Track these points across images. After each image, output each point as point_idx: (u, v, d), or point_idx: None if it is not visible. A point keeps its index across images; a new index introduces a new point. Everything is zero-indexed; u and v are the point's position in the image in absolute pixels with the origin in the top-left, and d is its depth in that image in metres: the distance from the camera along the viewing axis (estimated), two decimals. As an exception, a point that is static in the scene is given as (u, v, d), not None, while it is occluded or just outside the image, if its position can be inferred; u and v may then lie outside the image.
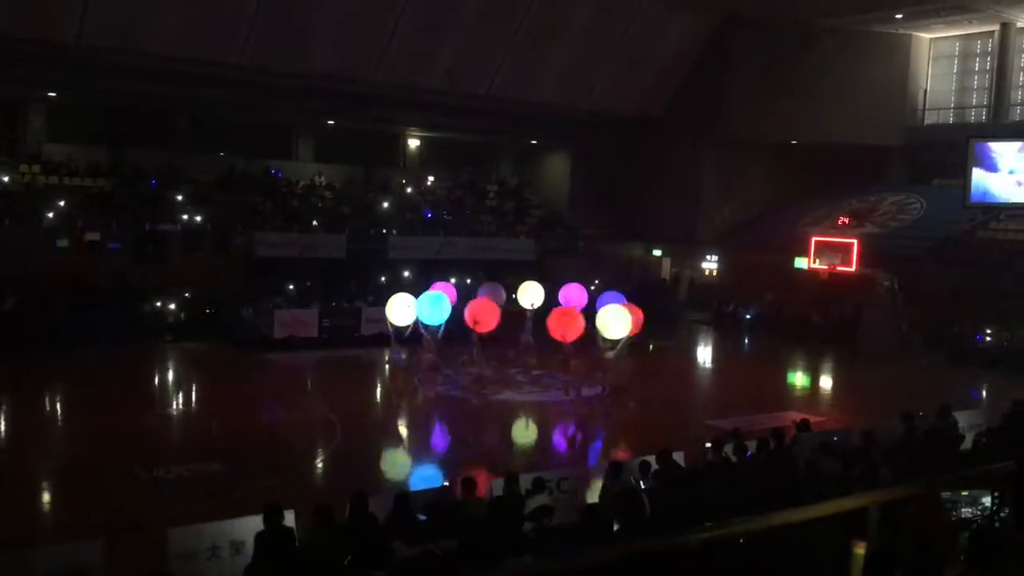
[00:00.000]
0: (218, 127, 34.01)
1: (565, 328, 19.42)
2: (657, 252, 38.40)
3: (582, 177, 39.62)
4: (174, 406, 19.77)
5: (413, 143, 40.21)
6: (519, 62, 32.00)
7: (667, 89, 35.95)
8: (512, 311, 23.19)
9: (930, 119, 36.13)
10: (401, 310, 20.11)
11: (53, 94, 29.78)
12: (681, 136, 35.95)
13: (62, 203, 27.64)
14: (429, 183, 39.18)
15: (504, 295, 23.53)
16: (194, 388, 21.50)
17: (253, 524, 8.65)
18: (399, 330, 20.53)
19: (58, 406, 19.41)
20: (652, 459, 10.96)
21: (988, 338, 26.43)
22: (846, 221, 33.71)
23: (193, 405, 20.10)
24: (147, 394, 20.03)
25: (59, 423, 18.14)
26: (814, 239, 31.26)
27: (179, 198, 30.21)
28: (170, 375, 23.06)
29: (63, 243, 26.07)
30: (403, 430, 18.03)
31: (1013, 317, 26.05)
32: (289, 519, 8.72)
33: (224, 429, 16.77)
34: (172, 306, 25.89)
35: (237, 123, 34.39)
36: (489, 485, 10.75)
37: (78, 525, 11.19)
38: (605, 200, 38.05)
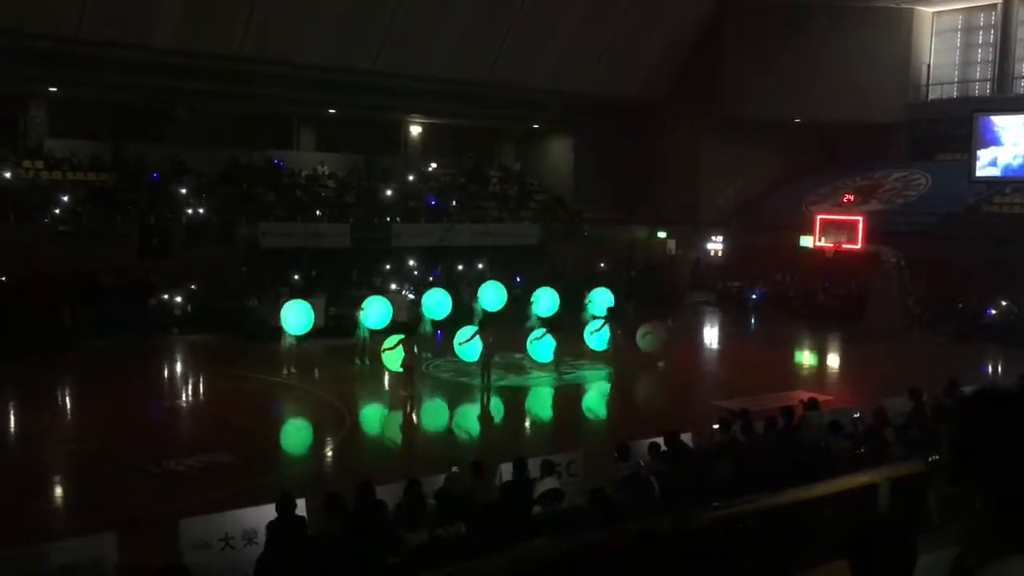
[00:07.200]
0: (219, 119, 33.94)
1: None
2: (662, 234, 38.31)
3: (584, 161, 39.51)
4: (183, 398, 19.82)
5: (415, 130, 40.11)
6: (519, 47, 31.86)
7: (667, 72, 35.77)
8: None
9: (934, 94, 35.96)
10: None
11: (54, 89, 29.72)
12: (683, 118, 35.81)
13: (65, 198, 27.65)
14: (431, 170, 39.12)
15: None
16: (202, 380, 21.55)
17: (265, 513, 8.71)
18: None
19: (67, 401, 19.47)
20: (660, 441, 10.97)
21: (996, 313, 26.35)
22: (851, 198, 33.59)
23: (201, 397, 20.15)
24: (156, 387, 20.09)
25: (68, 417, 18.19)
26: (819, 217, 31.14)
27: (182, 191, 30.22)
28: (178, 368, 23.11)
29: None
30: (412, 417, 18.05)
31: (1021, 291, 25.95)
32: (300, 508, 8.76)
33: (233, 420, 16.83)
34: (178, 299, 25.90)
35: (238, 114, 34.33)
36: (498, 470, 10.76)
37: (90, 518, 11.23)
38: (608, 183, 37.97)
